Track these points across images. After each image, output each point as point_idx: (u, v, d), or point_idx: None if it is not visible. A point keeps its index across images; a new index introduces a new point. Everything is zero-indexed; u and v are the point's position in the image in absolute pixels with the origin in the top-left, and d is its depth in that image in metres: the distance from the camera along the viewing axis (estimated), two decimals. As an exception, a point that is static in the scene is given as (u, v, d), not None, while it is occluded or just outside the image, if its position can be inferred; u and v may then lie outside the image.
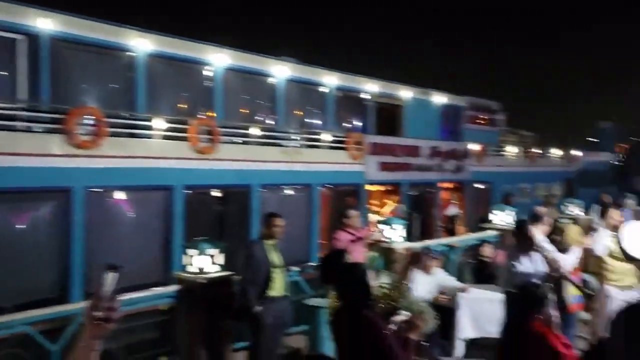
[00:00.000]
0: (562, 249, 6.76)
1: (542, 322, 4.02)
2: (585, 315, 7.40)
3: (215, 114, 13.22)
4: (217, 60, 13.08)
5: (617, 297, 6.41)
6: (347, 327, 3.94)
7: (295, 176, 13.85)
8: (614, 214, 7.08)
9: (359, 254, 6.75)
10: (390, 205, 16.83)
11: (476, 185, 20.72)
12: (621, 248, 6.47)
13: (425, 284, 7.40)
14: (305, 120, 16.31)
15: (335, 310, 4.24)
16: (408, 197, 17.40)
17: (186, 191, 11.29)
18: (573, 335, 7.13)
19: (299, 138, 14.13)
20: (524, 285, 4.28)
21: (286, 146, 13.71)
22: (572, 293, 6.71)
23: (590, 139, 40.50)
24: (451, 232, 17.78)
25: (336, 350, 4.10)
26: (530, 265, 5.71)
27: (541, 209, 6.92)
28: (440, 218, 19.02)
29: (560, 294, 6.72)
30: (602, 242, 6.82)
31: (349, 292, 3.97)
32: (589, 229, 8.06)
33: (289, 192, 14.21)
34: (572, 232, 8.38)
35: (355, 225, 7.48)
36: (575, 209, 12.44)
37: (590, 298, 7.24)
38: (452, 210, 18.73)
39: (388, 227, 8.51)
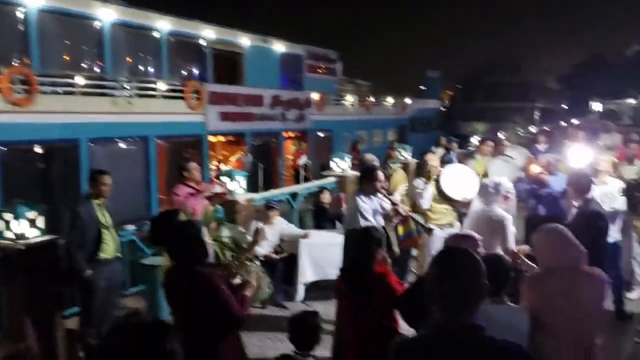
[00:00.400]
0: (390, 192, 7.03)
1: (379, 261, 4.13)
2: (415, 252, 7.86)
3: (30, 61, 11.80)
4: (31, 0, 11.58)
5: (438, 234, 6.84)
6: (181, 286, 3.70)
7: (129, 128, 12.96)
8: (431, 158, 7.43)
9: (199, 208, 6.45)
10: (235, 156, 16.57)
11: (318, 133, 21.15)
12: (439, 189, 6.98)
13: (267, 234, 7.37)
14: (138, 67, 15.25)
15: (167, 270, 3.96)
16: (252, 148, 17.25)
17: (0, 148, 10.04)
18: (407, 270, 7.59)
19: (130, 87, 13.14)
20: (363, 227, 4.34)
21: (116, 96, 12.70)
22: (400, 232, 7.06)
23: (421, 87, 43.29)
24: (306, 181, 18.04)
25: (171, 313, 3.86)
26: (372, 206, 5.85)
27: (370, 157, 7.06)
28: (287, 167, 19.21)
29: (396, 233, 7.08)
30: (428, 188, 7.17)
31: (182, 251, 3.70)
32: (418, 173, 8.46)
33: (122, 145, 13.29)
34: (398, 176, 8.78)
35: (195, 178, 7.09)
36: (405, 154, 13.14)
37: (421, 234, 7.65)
38: (303, 159, 18.97)
39: (230, 179, 8.29)
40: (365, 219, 5.68)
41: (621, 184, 6.63)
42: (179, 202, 6.60)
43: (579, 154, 7.59)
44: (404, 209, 6.23)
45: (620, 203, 6.48)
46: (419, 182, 7.18)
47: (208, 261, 3.80)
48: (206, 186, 7.43)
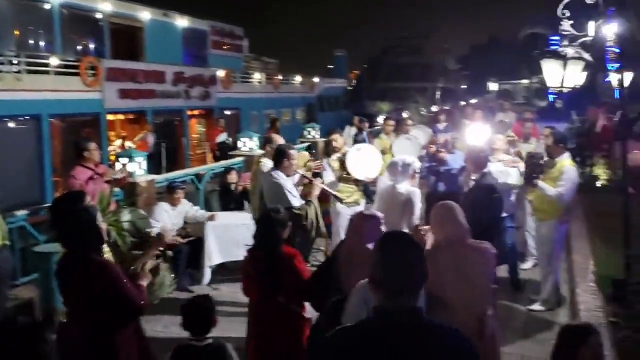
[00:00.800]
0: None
1: (287, 243, 4.11)
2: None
3: None
4: None
5: (345, 212, 6.92)
6: (75, 274, 3.47)
7: (18, 106, 12.06)
8: (336, 138, 7.48)
9: (98, 192, 6.07)
10: (138, 136, 15.83)
11: (225, 111, 20.74)
12: (344, 168, 7.07)
13: (171, 217, 7.14)
14: (27, 41, 14.17)
15: (60, 258, 3.70)
16: (154, 126, 16.61)
17: None
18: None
19: (18, 62, 12.18)
20: (267, 209, 4.28)
21: (3, 72, 11.74)
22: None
23: (329, 66, 43.62)
24: (223, 159, 17.55)
25: (64, 302, 3.62)
26: (290, 186, 5.80)
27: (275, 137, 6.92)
28: (192, 146, 18.68)
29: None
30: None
31: (75, 238, 3.46)
32: (327, 152, 8.45)
33: (11, 125, 12.35)
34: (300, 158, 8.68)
35: (95, 159, 6.64)
36: (314, 133, 13.19)
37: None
38: (222, 137, 18.44)
39: (129, 159, 7.92)
40: (293, 195, 5.65)
41: (516, 161, 7.02)
42: (77, 187, 6.20)
43: (476, 132, 7.92)
44: (320, 185, 6.22)
45: (514, 178, 6.87)
46: (324, 161, 7.24)
47: (101, 246, 3.59)
48: (106, 169, 7.03)
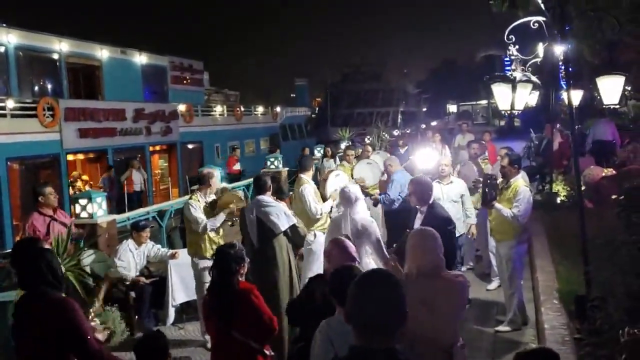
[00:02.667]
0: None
1: (242, 277, 4.08)
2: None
3: None
4: None
5: (322, 240, 6.91)
6: (31, 311, 3.36)
7: (-27, 151, 11.78)
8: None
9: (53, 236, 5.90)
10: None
11: (187, 145, 20.64)
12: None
13: (135, 257, 7.00)
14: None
15: (18, 301, 3.59)
16: (115, 164, 16.38)
17: None
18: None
19: (-29, 106, 11.95)
20: (220, 246, 4.24)
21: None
22: None
23: (292, 95, 43.91)
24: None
25: (16, 347, 3.49)
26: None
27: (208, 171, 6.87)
28: (155, 182, 18.48)
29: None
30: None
31: (34, 275, 3.37)
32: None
33: (-34, 170, 12.04)
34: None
35: (52, 204, 6.45)
36: (276, 163, 13.21)
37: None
38: (237, 165, 18.14)
39: (89, 200, 7.78)
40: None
41: (463, 184, 7.23)
42: (33, 234, 6.03)
43: (425, 157, 8.23)
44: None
45: (468, 201, 7.11)
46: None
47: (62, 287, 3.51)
48: (64, 216, 6.82)
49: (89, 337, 3.27)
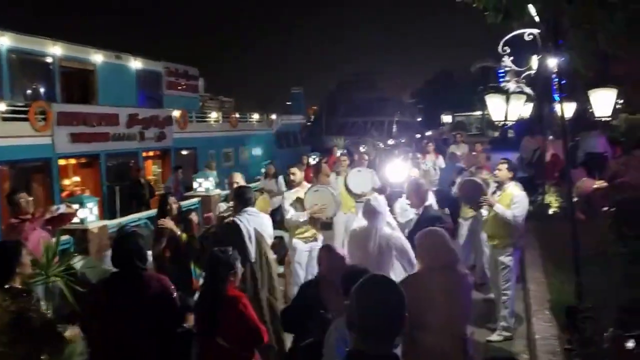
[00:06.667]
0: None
1: (234, 285, 4.07)
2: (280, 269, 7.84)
3: None
4: None
5: (302, 248, 6.93)
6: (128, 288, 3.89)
7: (-37, 154, 11.70)
8: (295, 172, 7.54)
9: (34, 238, 5.78)
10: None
11: (182, 151, 20.57)
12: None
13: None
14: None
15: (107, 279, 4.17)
16: (108, 169, 16.31)
17: None
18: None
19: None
20: (212, 251, 4.21)
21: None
22: None
23: (287, 103, 43.94)
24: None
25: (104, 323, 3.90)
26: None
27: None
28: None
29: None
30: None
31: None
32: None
33: (-44, 173, 11.95)
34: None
35: (24, 211, 6.23)
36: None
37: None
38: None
39: (80, 205, 7.73)
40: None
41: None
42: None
43: (396, 169, 8.38)
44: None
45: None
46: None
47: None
48: (42, 211, 6.65)
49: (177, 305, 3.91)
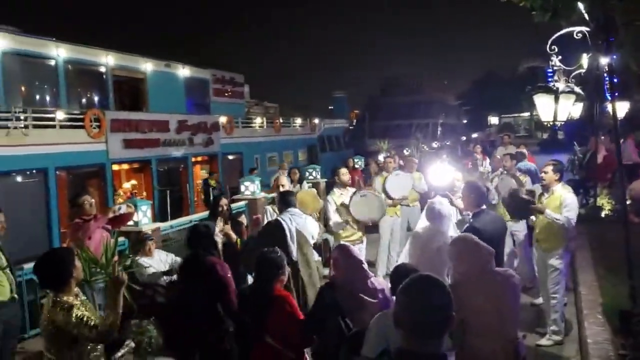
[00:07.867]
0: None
1: (282, 285, 4.15)
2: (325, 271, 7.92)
3: None
4: None
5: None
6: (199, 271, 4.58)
7: (25, 161, 12.26)
8: (344, 172, 7.68)
9: (97, 236, 6.04)
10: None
11: (228, 156, 20.96)
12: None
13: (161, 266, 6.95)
14: (34, 97, 14.49)
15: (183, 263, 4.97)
16: (159, 174, 16.79)
17: None
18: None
19: (24, 118, 12.45)
20: (263, 251, 4.32)
21: (9, 127, 11.98)
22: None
23: (329, 107, 44.10)
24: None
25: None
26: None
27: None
28: (197, 192, 18.79)
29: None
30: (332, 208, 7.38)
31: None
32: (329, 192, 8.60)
33: (19, 179, 12.53)
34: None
35: (87, 213, 6.52)
36: (315, 174, 13.28)
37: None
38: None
39: (135, 208, 8.00)
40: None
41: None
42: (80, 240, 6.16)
43: (439, 173, 8.20)
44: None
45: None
46: (328, 197, 7.51)
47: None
48: (104, 213, 6.90)
49: (233, 291, 4.46)
